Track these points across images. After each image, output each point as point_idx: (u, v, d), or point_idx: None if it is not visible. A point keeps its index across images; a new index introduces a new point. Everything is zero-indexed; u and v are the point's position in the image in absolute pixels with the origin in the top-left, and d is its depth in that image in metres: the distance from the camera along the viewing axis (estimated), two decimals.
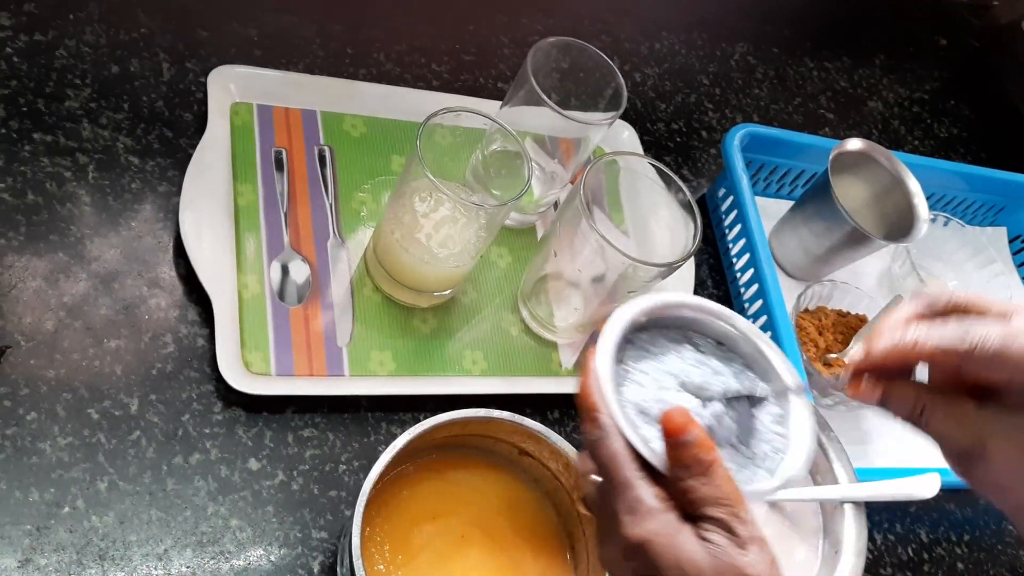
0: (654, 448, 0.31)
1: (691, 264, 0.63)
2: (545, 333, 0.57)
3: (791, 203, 0.69)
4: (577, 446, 0.45)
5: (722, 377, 0.35)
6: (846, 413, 0.63)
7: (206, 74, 0.55)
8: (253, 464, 0.47)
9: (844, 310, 0.66)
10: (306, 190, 0.55)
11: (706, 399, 0.34)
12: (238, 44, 0.60)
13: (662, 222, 0.54)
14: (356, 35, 0.64)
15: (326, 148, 0.57)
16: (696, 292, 0.63)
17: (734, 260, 0.65)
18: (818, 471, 0.53)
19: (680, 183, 0.51)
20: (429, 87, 0.64)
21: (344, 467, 0.49)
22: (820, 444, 0.52)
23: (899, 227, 0.66)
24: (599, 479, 0.32)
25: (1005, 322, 0.30)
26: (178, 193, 0.52)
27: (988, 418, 0.31)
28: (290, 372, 0.49)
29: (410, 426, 0.51)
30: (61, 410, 0.45)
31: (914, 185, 0.66)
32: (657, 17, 0.79)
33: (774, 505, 0.51)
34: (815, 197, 0.65)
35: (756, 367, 0.36)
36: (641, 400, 0.33)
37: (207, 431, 0.47)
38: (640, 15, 0.78)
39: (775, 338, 0.59)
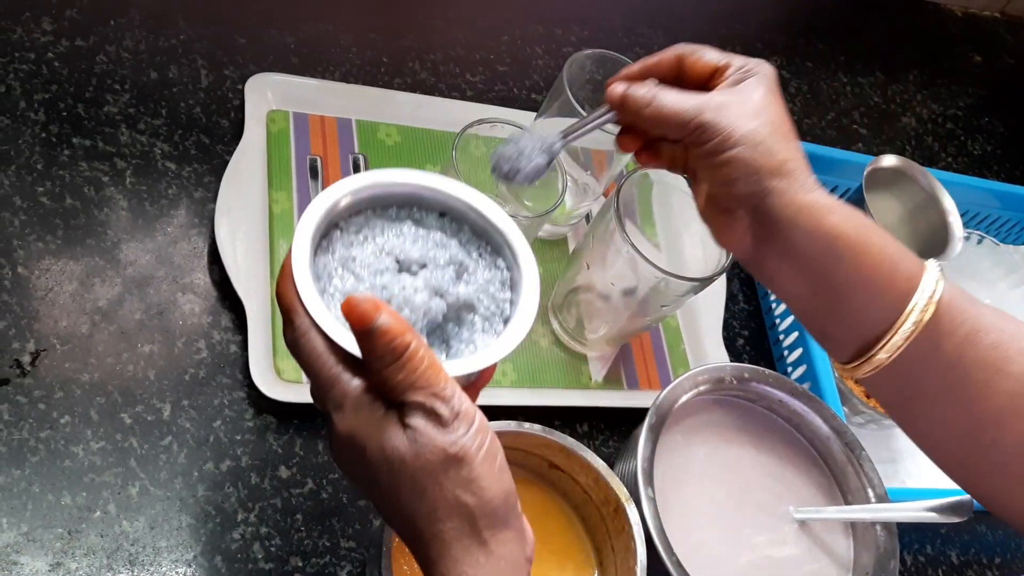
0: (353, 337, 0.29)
1: (723, 278, 0.63)
2: (575, 345, 0.57)
3: None
4: (606, 459, 0.45)
5: (446, 250, 0.33)
6: (877, 432, 0.62)
7: (243, 81, 0.56)
8: (283, 472, 0.47)
9: None
10: None
11: (428, 272, 0.32)
12: (276, 51, 0.60)
13: (695, 236, 0.54)
14: (392, 44, 0.64)
15: (360, 156, 0.58)
16: (727, 306, 0.62)
17: None
18: (849, 490, 0.52)
19: None
20: (463, 97, 0.64)
21: None
22: (851, 462, 0.51)
23: (933, 245, 0.65)
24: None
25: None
26: (213, 199, 0.52)
27: (708, 94, 0.36)
28: None
29: None
30: (94, 414, 0.45)
31: (949, 203, 0.65)
32: (691, 29, 0.78)
33: (803, 524, 0.51)
34: None
35: (484, 234, 0.35)
36: (354, 289, 0.31)
37: (238, 438, 0.47)
38: (674, 27, 0.77)
39: (806, 354, 0.59)
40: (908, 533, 0.60)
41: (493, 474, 0.29)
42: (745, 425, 0.52)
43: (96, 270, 0.48)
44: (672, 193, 0.54)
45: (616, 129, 0.40)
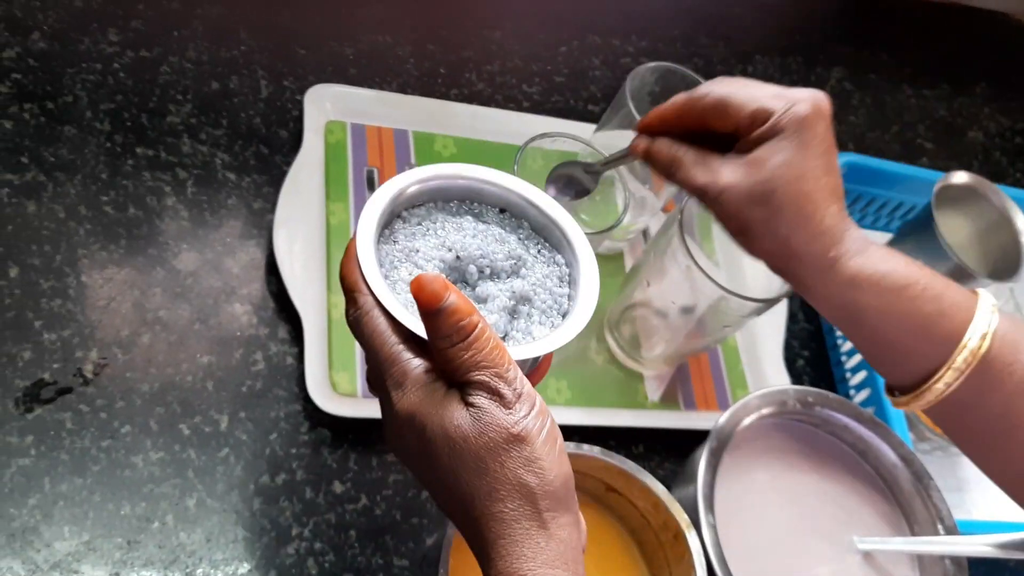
0: (417, 319, 0.29)
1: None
2: (631, 363, 0.55)
3: (888, 236, 0.66)
4: (662, 481, 0.43)
5: (506, 245, 0.33)
6: (943, 459, 0.59)
7: (302, 92, 0.56)
8: (337, 487, 0.46)
9: None
10: None
11: (485, 267, 0.32)
12: (334, 63, 0.60)
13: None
14: (449, 55, 0.64)
15: None
16: (788, 327, 0.61)
17: None
18: (916, 521, 0.49)
19: None
20: (519, 108, 0.63)
21: (426, 493, 0.48)
22: (919, 492, 0.49)
23: (1003, 266, 0.62)
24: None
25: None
26: (272, 210, 0.52)
27: (723, 162, 0.35)
28: None
29: None
30: (154, 424, 0.45)
31: (1022, 223, 0.62)
32: (751, 40, 0.77)
33: (867, 555, 0.49)
34: (916, 231, 0.61)
35: (544, 231, 0.35)
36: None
37: (293, 451, 0.47)
38: (734, 38, 0.76)
39: (870, 377, 0.56)
40: (975, 566, 0.57)
41: (554, 456, 0.28)
42: (808, 450, 0.50)
43: (157, 280, 0.49)
44: None
45: None
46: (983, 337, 0.32)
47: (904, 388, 0.35)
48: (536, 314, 0.33)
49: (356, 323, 0.30)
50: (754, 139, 0.35)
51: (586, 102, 0.66)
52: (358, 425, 0.48)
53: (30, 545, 0.41)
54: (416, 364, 0.29)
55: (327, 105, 0.56)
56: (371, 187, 0.55)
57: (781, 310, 0.60)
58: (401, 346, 0.29)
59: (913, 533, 0.49)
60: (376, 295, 0.29)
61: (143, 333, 0.47)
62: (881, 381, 0.55)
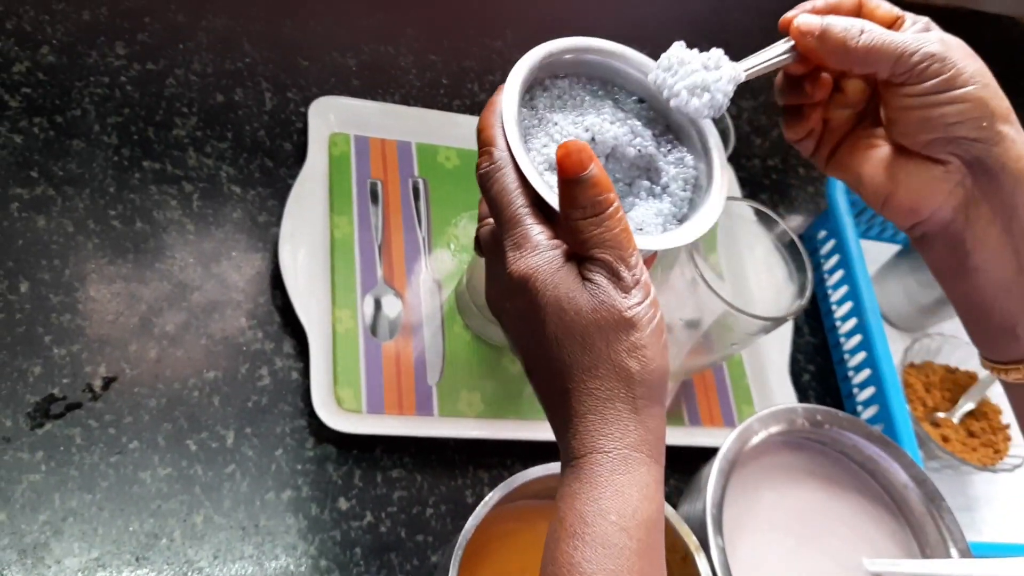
0: (551, 183, 0.29)
1: None
2: None
3: (894, 247, 0.66)
4: (669, 499, 0.43)
5: (640, 139, 0.33)
6: (953, 478, 0.59)
7: (306, 103, 0.56)
8: (343, 504, 0.47)
9: (953, 366, 0.62)
10: (400, 223, 0.55)
11: (618, 157, 0.32)
12: (337, 74, 0.60)
13: (759, 266, 0.52)
14: (451, 66, 0.64)
15: (420, 180, 0.57)
16: (794, 340, 0.60)
17: (834, 307, 0.62)
18: (927, 543, 0.49)
19: (793, 236, 0.49)
20: None
21: (431, 510, 0.48)
22: (931, 514, 0.49)
23: None
24: (492, 222, 0.30)
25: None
26: (277, 223, 0.52)
27: (897, 156, 0.33)
28: (380, 409, 0.49)
29: (496, 471, 0.50)
30: (162, 440, 0.45)
31: None
32: (752, 46, 0.76)
33: None
34: None
35: (680, 131, 0.34)
36: (551, 156, 0.31)
37: (299, 467, 0.47)
38: (737, 45, 0.75)
39: (880, 394, 0.56)
40: None
41: (658, 348, 0.28)
42: (816, 469, 0.50)
43: (163, 294, 0.49)
44: (735, 221, 0.52)
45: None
46: None
47: (1003, 358, 0.33)
48: (652, 213, 0.33)
49: (486, 177, 0.29)
50: (920, 27, 0.33)
51: None
52: (363, 441, 0.48)
53: (41, 562, 0.41)
54: (539, 230, 0.29)
55: (331, 117, 0.56)
56: (374, 199, 0.55)
57: (787, 324, 0.60)
58: (527, 209, 0.29)
59: (924, 555, 0.49)
60: (513, 154, 0.29)
61: (150, 348, 0.47)
62: (893, 397, 0.55)
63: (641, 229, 0.32)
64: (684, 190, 0.33)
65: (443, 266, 0.55)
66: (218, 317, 0.49)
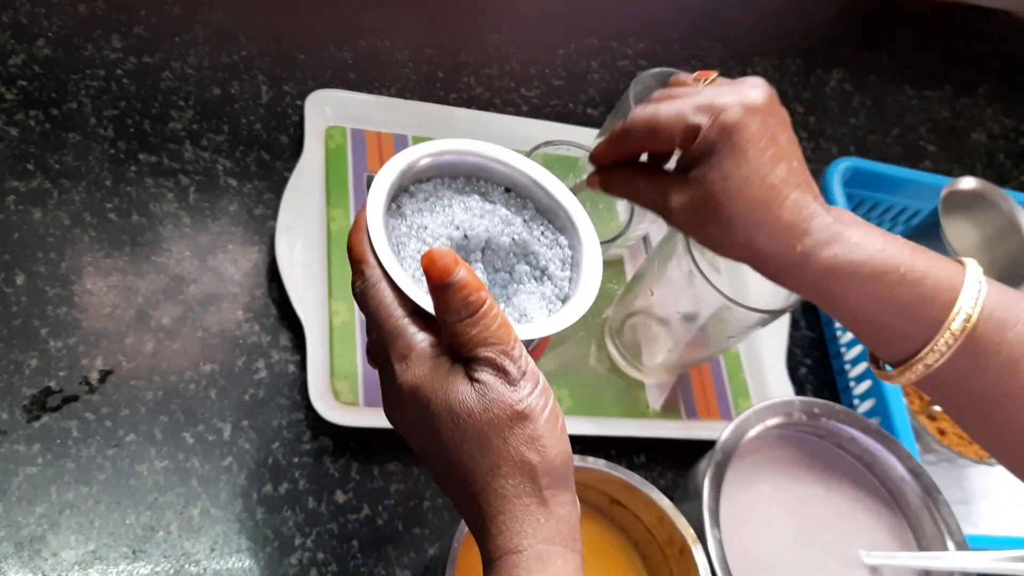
0: (424, 293, 0.29)
1: None
2: (632, 372, 0.55)
3: None
4: (664, 491, 0.43)
5: (511, 227, 0.34)
6: (949, 471, 0.59)
7: (302, 97, 0.56)
8: (339, 497, 0.47)
9: None
10: None
11: (494, 248, 0.33)
12: (333, 67, 0.60)
13: None
14: (447, 59, 0.63)
15: None
16: (791, 333, 0.60)
17: None
18: (924, 535, 0.49)
19: None
20: (518, 112, 0.63)
21: (428, 503, 0.48)
22: (928, 506, 0.49)
23: (1011, 274, 0.62)
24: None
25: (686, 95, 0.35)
26: (273, 216, 0.52)
27: (672, 182, 0.35)
28: (378, 402, 0.49)
29: None
30: (158, 433, 0.45)
31: None
32: (750, 42, 0.76)
33: (874, 570, 0.49)
34: (921, 238, 0.61)
35: (549, 213, 0.35)
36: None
37: (296, 460, 0.47)
38: (733, 40, 0.75)
39: (876, 386, 0.56)
40: None
41: (556, 435, 0.29)
42: (813, 462, 0.50)
43: (160, 287, 0.49)
44: None
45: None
46: (967, 319, 0.31)
47: (890, 364, 0.35)
48: (535, 297, 0.33)
49: (362, 295, 0.30)
50: (689, 157, 0.34)
51: (585, 105, 0.66)
52: (360, 434, 0.48)
53: (38, 554, 0.41)
54: (421, 338, 0.29)
55: (327, 110, 0.56)
56: None
57: (783, 317, 0.60)
58: (407, 319, 0.29)
59: (921, 548, 0.49)
60: (385, 267, 0.30)
61: (147, 340, 0.47)
62: (889, 390, 0.55)
63: (526, 314, 0.33)
64: (563, 270, 0.34)
65: None
66: (214, 310, 0.49)
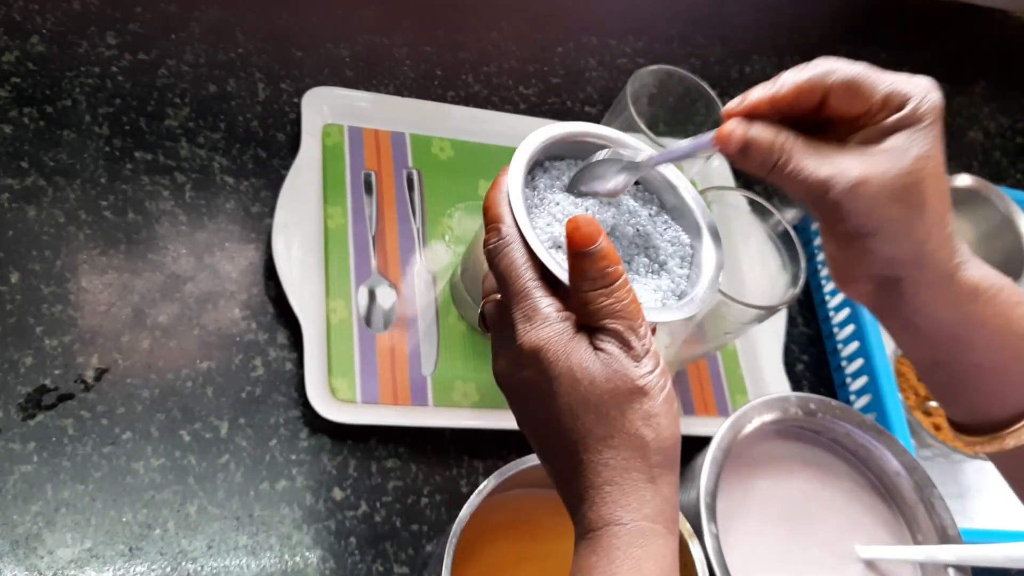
0: (556, 258, 0.30)
1: None
2: None
3: None
4: None
5: (637, 218, 0.34)
6: (945, 466, 0.59)
7: (299, 94, 0.56)
8: (337, 493, 0.46)
9: None
10: (394, 214, 0.55)
11: (617, 236, 0.33)
12: (331, 64, 0.60)
13: (753, 256, 0.52)
14: (446, 56, 0.63)
15: (414, 171, 0.57)
16: (788, 330, 0.61)
17: (827, 297, 0.62)
18: (919, 530, 0.50)
19: (788, 226, 0.49)
20: (516, 110, 0.63)
21: (426, 500, 0.48)
22: (922, 501, 0.49)
23: (1007, 270, 0.61)
24: (499, 296, 0.31)
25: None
26: (270, 214, 0.52)
27: (845, 152, 0.30)
28: (375, 400, 0.49)
29: (492, 461, 0.51)
30: (155, 430, 0.45)
31: None
32: (748, 40, 0.76)
33: (869, 564, 0.49)
34: None
35: (675, 211, 0.35)
36: (555, 234, 0.32)
37: (293, 457, 0.47)
38: (731, 38, 0.75)
39: (872, 383, 0.57)
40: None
41: (671, 416, 0.28)
42: (809, 458, 0.50)
43: (156, 285, 0.49)
44: (731, 215, 0.52)
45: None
46: None
47: (984, 425, 0.33)
48: (649, 288, 0.33)
49: (495, 252, 0.30)
50: (889, 126, 0.30)
51: (583, 103, 0.66)
52: (357, 431, 0.48)
53: (33, 552, 0.41)
54: (548, 302, 0.29)
55: (324, 108, 0.56)
56: (368, 190, 0.55)
57: (780, 314, 0.60)
58: (536, 282, 0.29)
59: (916, 541, 0.49)
60: (522, 229, 0.30)
61: (143, 338, 0.47)
62: (885, 386, 0.55)
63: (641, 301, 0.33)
64: (681, 267, 0.34)
65: (437, 257, 0.55)
66: (211, 308, 0.49)
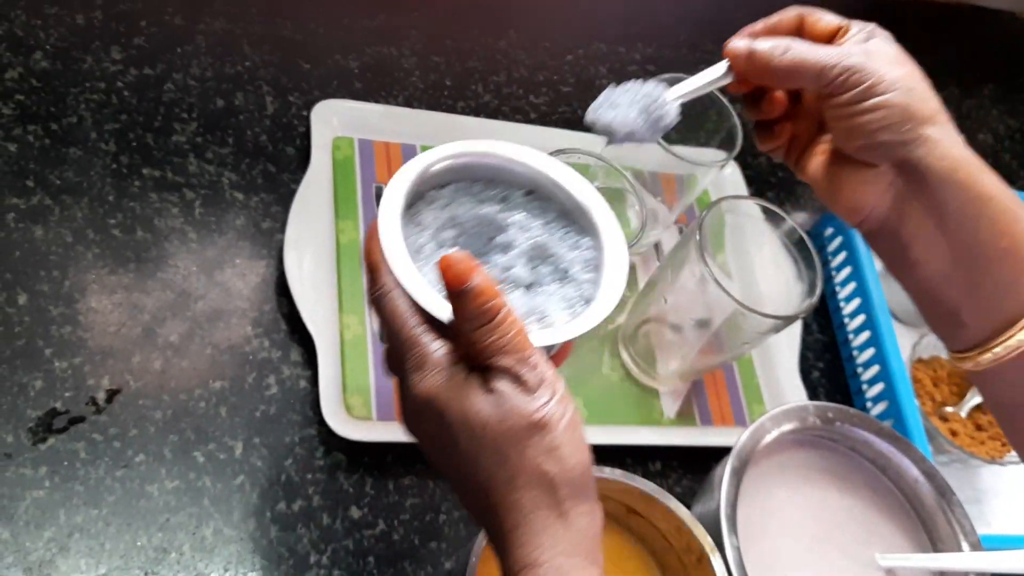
0: (439, 300, 0.29)
1: None
2: (646, 380, 0.55)
3: None
4: (680, 499, 0.43)
5: (528, 232, 0.33)
6: (961, 471, 0.59)
7: (308, 107, 0.55)
8: (354, 512, 0.46)
9: None
10: None
11: (512, 255, 0.33)
12: (339, 76, 0.59)
13: (768, 264, 0.52)
14: (455, 67, 0.63)
15: None
16: (803, 337, 0.60)
17: (842, 304, 0.62)
18: (939, 537, 0.49)
19: (802, 233, 0.49)
20: (527, 120, 0.63)
21: (444, 516, 0.47)
22: (942, 508, 0.49)
23: None
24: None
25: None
26: (281, 229, 0.51)
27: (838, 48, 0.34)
28: (391, 416, 0.48)
29: None
30: (168, 452, 0.44)
31: None
32: None
33: (890, 572, 0.48)
34: None
35: (572, 214, 0.34)
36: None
37: (309, 477, 0.46)
38: None
39: (889, 389, 0.56)
40: None
41: (575, 443, 0.28)
42: (827, 466, 0.50)
43: (167, 304, 0.48)
44: (745, 224, 0.52)
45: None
46: None
47: (976, 339, 0.34)
48: (557, 299, 0.33)
49: (377, 303, 0.30)
50: (858, 37, 0.34)
51: None
52: (374, 449, 0.47)
53: None
54: (436, 347, 0.28)
55: (334, 121, 0.55)
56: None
57: (796, 322, 0.60)
58: (422, 328, 0.29)
59: (936, 549, 0.49)
60: (397, 276, 0.29)
61: (154, 359, 0.46)
62: (902, 392, 0.55)
63: (548, 317, 0.32)
64: (586, 272, 0.34)
65: None
66: (223, 326, 0.49)
